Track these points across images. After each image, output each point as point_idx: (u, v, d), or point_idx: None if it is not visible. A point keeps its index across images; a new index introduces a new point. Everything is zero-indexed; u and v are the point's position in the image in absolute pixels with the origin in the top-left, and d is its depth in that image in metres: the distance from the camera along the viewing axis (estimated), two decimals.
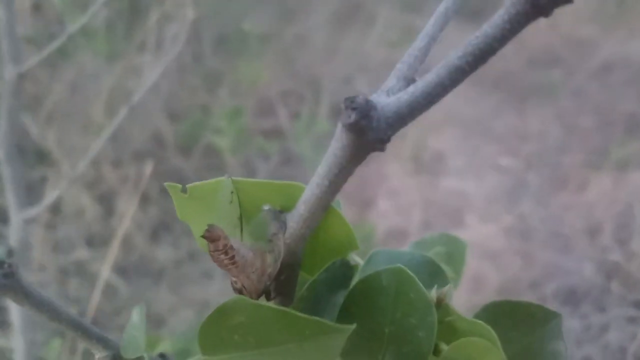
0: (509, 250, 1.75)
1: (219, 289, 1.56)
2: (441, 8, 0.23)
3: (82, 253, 1.62)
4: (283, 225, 0.23)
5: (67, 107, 1.84)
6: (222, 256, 0.22)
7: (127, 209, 1.57)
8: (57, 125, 1.80)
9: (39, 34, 1.76)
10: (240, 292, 0.23)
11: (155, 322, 1.54)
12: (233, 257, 0.22)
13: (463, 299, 1.51)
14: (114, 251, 1.08)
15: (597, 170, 1.95)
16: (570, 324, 1.50)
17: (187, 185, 0.24)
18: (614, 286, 1.61)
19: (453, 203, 1.88)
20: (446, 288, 0.24)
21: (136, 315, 0.25)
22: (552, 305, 1.55)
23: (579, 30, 2.54)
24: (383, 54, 2.35)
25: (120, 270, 1.60)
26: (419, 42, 0.23)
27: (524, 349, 0.28)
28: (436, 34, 0.23)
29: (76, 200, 1.72)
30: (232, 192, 0.24)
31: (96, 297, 1.17)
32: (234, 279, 0.23)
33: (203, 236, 0.21)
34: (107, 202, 1.76)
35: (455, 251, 0.39)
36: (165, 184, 0.24)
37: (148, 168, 0.78)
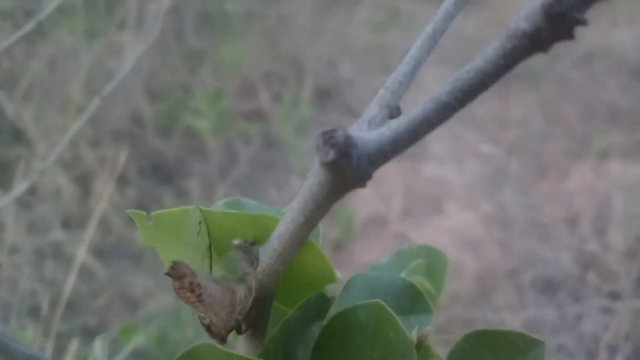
0: (487, 238, 1.75)
1: None
2: (428, 30, 0.22)
3: (58, 234, 1.60)
4: (255, 259, 0.22)
5: (44, 85, 1.80)
6: (189, 294, 0.20)
7: (105, 190, 1.54)
8: (33, 103, 1.76)
9: (16, 8, 1.71)
10: (208, 327, 0.22)
11: (131, 305, 1.52)
12: (200, 294, 0.21)
13: None
14: (90, 233, 1.06)
15: (578, 160, 1.95)
16: (546, 312, 1.52)
17: (152, 213, 0.22)
18: (590, 277, 1.62)
19: (433, 190, 1.88)
20: (427, 329, 0.23)
21: (98, 346, 0.23)
22: (529, 294, 1.56)
23: None
24: (368, 36, 2.33)
25: (98, 252, 1.58)
26: (404, 66, 0.21)
27: None
28: (422, 57, 0.22)
29: (52, 180, 1.68)
30: (200, 222, 0.22)
31: (72, 279, 1.15)
32: (202, 314, 0.22)
33: (168, 274, 0.20)
34: (84, 183, 1.73)
35: (435, 264, 0.38)
36: (128, 211, 0.22)
37: (123, 155, 0.76)
